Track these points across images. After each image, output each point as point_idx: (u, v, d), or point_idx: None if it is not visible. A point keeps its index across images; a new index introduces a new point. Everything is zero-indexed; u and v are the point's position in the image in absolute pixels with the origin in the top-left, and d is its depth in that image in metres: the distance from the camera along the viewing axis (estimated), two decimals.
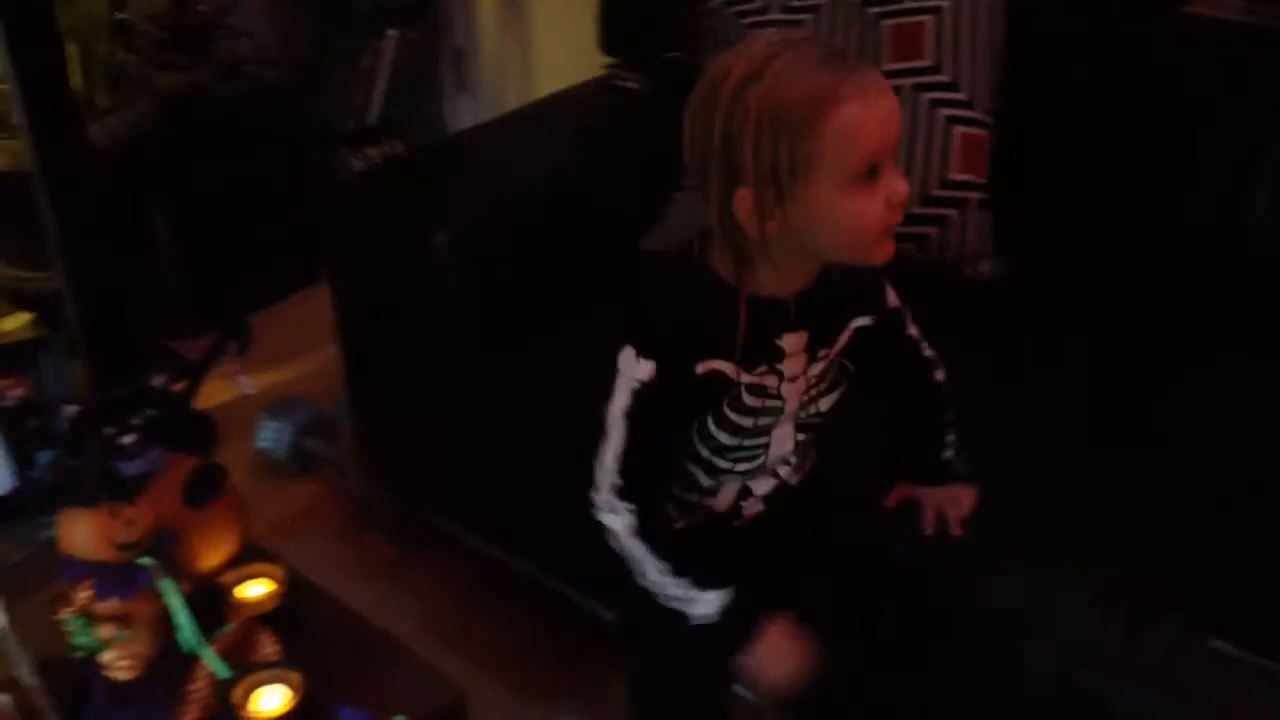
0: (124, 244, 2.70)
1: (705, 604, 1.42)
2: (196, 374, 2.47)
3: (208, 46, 2.99)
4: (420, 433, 2.20)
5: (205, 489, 1.83)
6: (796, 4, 2.16)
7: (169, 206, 2.84)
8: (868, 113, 1.22)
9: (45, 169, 2.25)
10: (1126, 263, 1.95)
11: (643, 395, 1.35)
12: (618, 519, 1.42)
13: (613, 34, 2.58)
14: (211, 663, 1.64)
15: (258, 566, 1.83)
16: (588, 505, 1.42)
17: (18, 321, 2.72)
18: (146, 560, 1.67)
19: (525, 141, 2.27)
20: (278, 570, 1.82)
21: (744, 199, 1.25)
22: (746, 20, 2.19)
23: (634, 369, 1.35)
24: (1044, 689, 1.43)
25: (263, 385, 2.85)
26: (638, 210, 2.17)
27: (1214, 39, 1.94)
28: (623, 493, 1.41)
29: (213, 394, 2.81)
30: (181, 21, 2.94)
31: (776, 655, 1.42)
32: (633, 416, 1.37)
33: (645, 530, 1.42)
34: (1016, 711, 1.49)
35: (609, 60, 2.50)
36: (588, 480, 1.41)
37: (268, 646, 1.74)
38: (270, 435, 2.56)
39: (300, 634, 1.77)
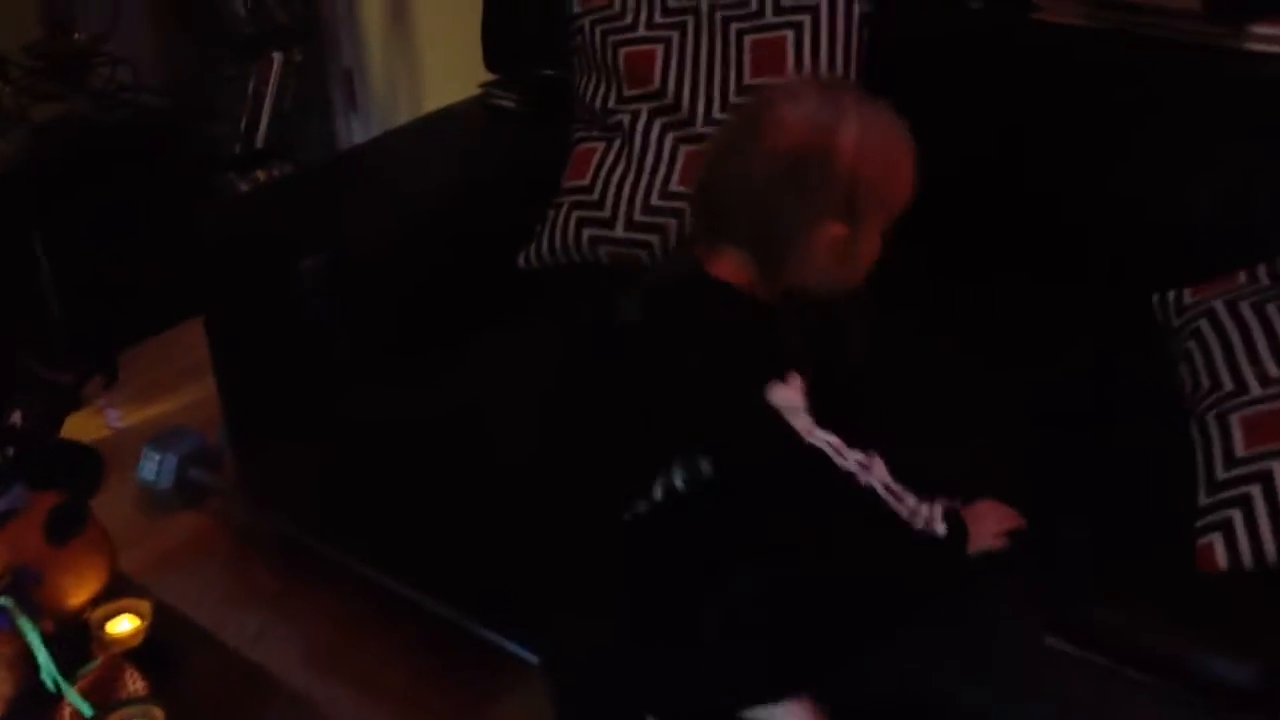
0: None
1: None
2: (61, 408, 2.46)
3: (85, 75, 2.94)
4: (299, 460, 2.19)
5: (66, 526, 1.80)
6: (661, 20, 2.18)
7: (48, 237, 2.79)
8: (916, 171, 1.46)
9: None
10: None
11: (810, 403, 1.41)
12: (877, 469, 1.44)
13: (496, 52, 2.58)
14: (74, 701, 1.62)
15: (125, 602, 1.80)
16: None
17: None
18: (4, 600, 1.64)
19: (399, 163, 2.27)
20: (145, 605, 1.80)
21: (832, 233, 1.43)
22: (614, 37, 2.20)
23: (789, 398, 1.40)
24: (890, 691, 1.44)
25: (149, 416, 2.84)
26: (512, 229, 2.16)
27: (1061, 43, 1.98)
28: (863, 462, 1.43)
29: (94, 428, 2.81)
30: (57, 51, 2.90)
31: None
32: (815, 434, 1.41)
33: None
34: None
35: (485, 79, 2.50)
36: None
37: (134, 683, 1.72)
38: (153, 467, 2.53)
39: (169, 669, 1.75)
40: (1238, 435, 1.52)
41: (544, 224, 2.18)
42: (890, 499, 1.45)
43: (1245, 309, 1.69)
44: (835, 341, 1.59)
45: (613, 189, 2.14)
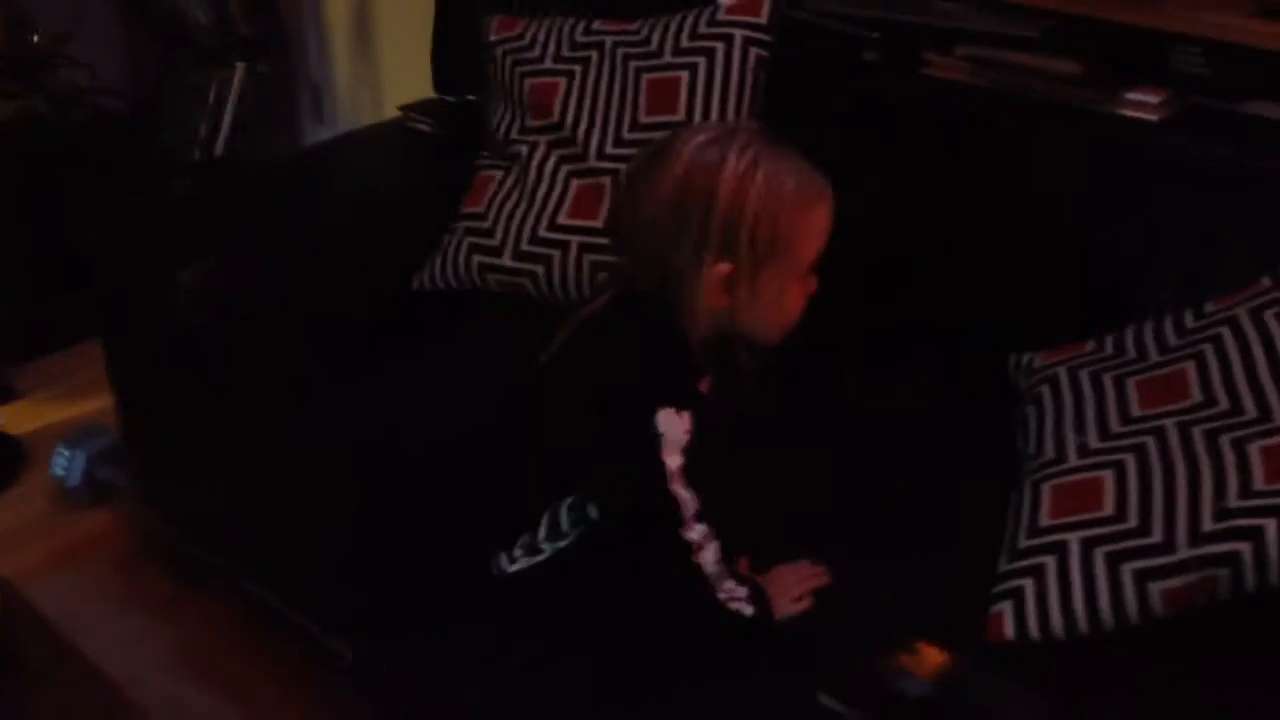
0: None
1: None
2: None
3: (43, 76, 3.00)
4: (183, 468, 2.21)
5: None
6: (567, 54, 2.20)
7: None
8: (828, 215, 1.48)
9: None
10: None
11: (690, 447, 1.42)
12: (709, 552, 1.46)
13: (440, 75, 2.62)
14: None
15: None
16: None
17: None
18: None
19: (303, 180, 2.30)
20: None
21: (722, 270, 1.44)
22: (521, 68, 2.22)
23: (677, 425, 1.42)
24: None
25: (74, 415, 2.88)
26: (412, 252, 2.19)
27: (948, 101, 1.98)
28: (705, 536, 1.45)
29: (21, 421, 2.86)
30: (14, 51, 2.95)
31: None
32: (690, 472, 1.42)
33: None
34: None
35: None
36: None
37: None
38: (63, 463, 2.57)
39: (9, 671, 1.78)
40: (1046, 504, 1.51)
41: (439, 249, 2.20)
42: (712, 577, 1.46)
43: (1084, 377, 1.68)
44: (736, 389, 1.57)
45: (504, 218, 2.15)
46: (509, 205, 2.16)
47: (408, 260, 2.23)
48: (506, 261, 2.13)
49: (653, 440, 1.42)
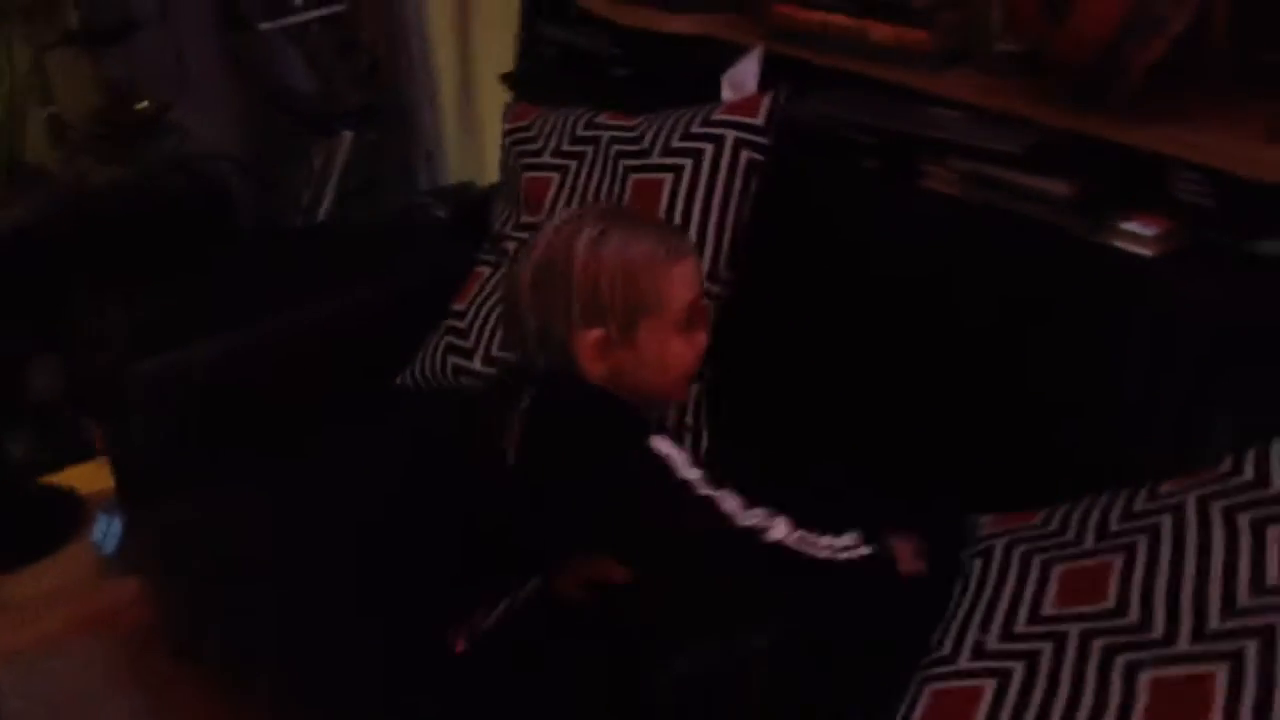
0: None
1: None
2: None
3: (148, 142, 3.09)
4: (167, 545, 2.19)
5: None
6: (566, 148, 2.09)
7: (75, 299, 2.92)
8: (691, 268, 1.57)
9: None
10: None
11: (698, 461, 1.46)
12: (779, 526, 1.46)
13: None
14: None
15: None
16: None
17: None
18: None
19: (294, 264, 2.27)
20: None
21: (590, 338, 1.50)
22: (523, 160, 2.13)
23: (671, 447, 1.45)
24: None
25: None
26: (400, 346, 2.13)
27: (939, 218, 1.78)
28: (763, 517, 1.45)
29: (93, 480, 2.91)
30: (118, 118, 3.05)
31: None
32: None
33: None
34: None
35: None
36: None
37: None
38: (102, 529, 2.61)
39: None
40: (921, 708, 1.31)
41: (424, 346, 2.12)
42: (803, 547, 1.45)
43: (1016, 557, 1.46)
44: None
45: (480, 318, 2.06)
46: (488, 306, 2.06)
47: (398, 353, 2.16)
48: (477, 365, 2.04)
49: (660, 471, 1.43)
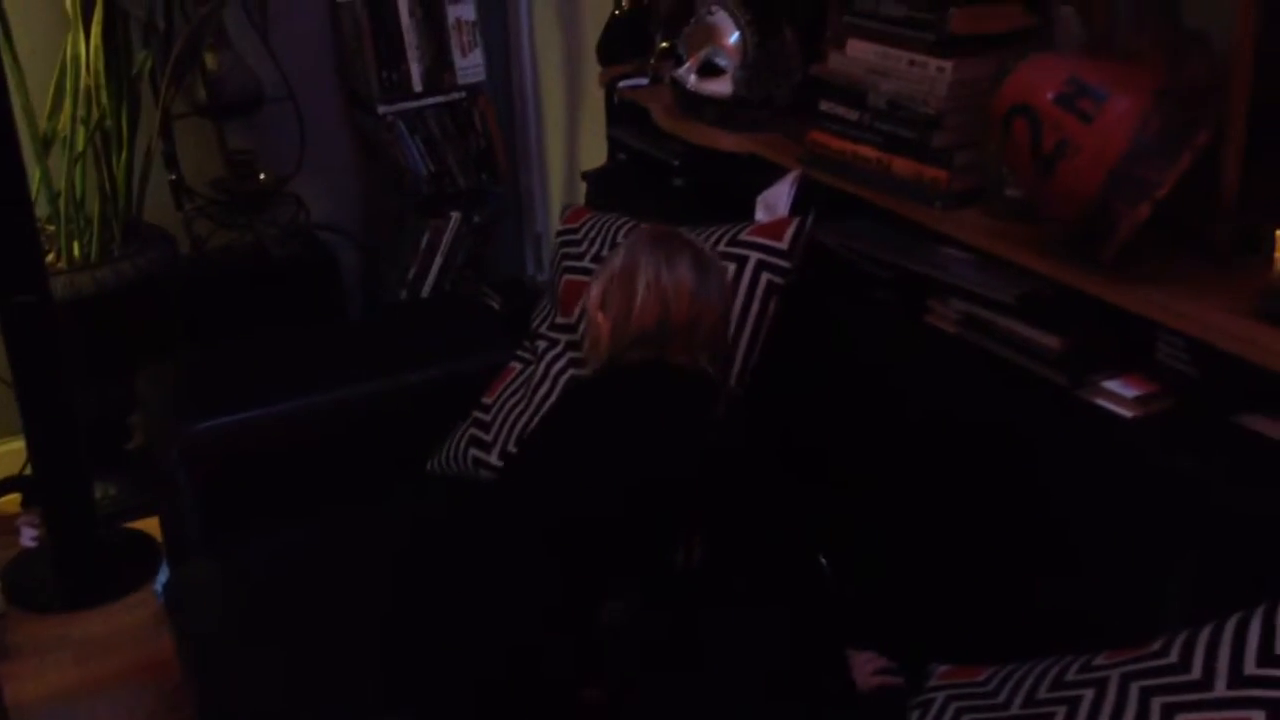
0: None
1: None
2: None
3: (264, 211, 3.25)
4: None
5: None
6: (605, 255, 2.14)
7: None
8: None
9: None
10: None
11: None
12: None
13: None
14: None
15: None
16: None
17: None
18: None
19: (352, 345, 2.37)
20: None
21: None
22: (566, 263, 2.20)
23: None
24: None
25: None
26: (428, 432, 2.20)
27: (942, 351, 1.78)
28: None
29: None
30: (240, 187, 3.22)
31: None
32: None
33: None
34: None
35: None
36: None
37: None
38: (164, 578, 2.71)
39: None
40: None
41: (451, 435, 2.19)
42: None
43: (949, 713, 1.44)
44: None
45: (503, 414, 2.12)
46: (511, 402, 2.12)
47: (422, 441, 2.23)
48: (493, 459, 2.09)
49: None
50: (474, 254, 3.50)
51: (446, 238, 3.45)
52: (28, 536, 2.66)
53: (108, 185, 2.94)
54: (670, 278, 1.79)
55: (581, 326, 2.00)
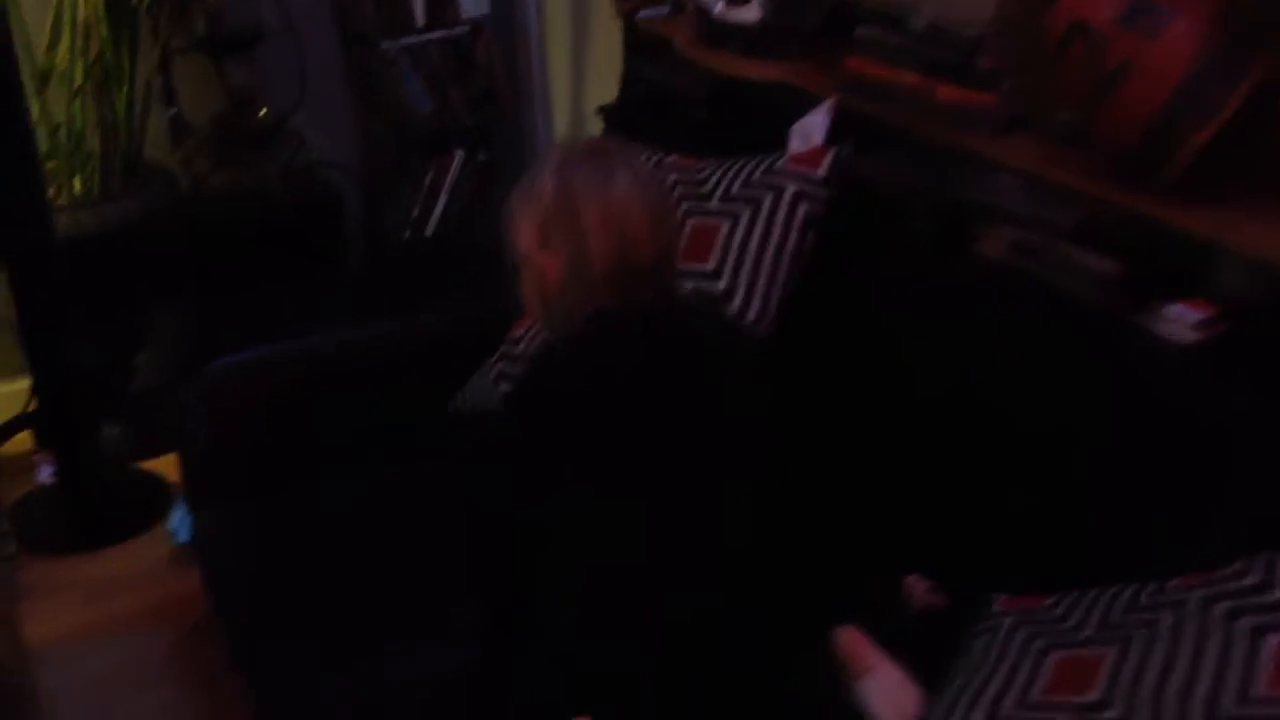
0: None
1: None
2: None
3: (264, 149, 3.19)
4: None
5: None
6: None
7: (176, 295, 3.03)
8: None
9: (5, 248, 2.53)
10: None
11: None
12: None
13: None
14: None
15: None
16: None
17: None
18: None
19: (386, 279, 2.33)
20: None
21: None
22: None
23: None
24: None
25: None
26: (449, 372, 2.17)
27: (987, 281, 1.75)
28: None
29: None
30: (240, 124, 3.16)
31: None
32: None
33: None
34: None
35: None
36: None
37: None
38: (177, 518, 2.69)
39: None
40: None
41: (478, 371, 2.15)
42: None
43: (1018, 639, 1.42)
44: None
45: (533, 347, 2.08)
46: (533, 332, 2.08)
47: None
48: None
49: None
50: (476, 193, 3.45)
51: (451, 177, 3.40)
52: (46, 474, 2.62)
53: (108, 121, 2.87)
54: (622, 200, 1.53)
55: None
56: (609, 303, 1.55)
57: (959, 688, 1.40)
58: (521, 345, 2.11)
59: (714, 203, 1.97)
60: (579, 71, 3.35)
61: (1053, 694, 1.31)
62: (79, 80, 2.81)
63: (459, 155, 3.39)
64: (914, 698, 1.42)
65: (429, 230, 3.42)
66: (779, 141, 2.08)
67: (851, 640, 1.48)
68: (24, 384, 2.82)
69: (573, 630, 1.54)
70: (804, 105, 2.09)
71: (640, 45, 2.58)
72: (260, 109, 3.21)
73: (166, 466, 2.99)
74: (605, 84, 2.94)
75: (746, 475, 1.56)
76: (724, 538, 1.54)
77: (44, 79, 2.82)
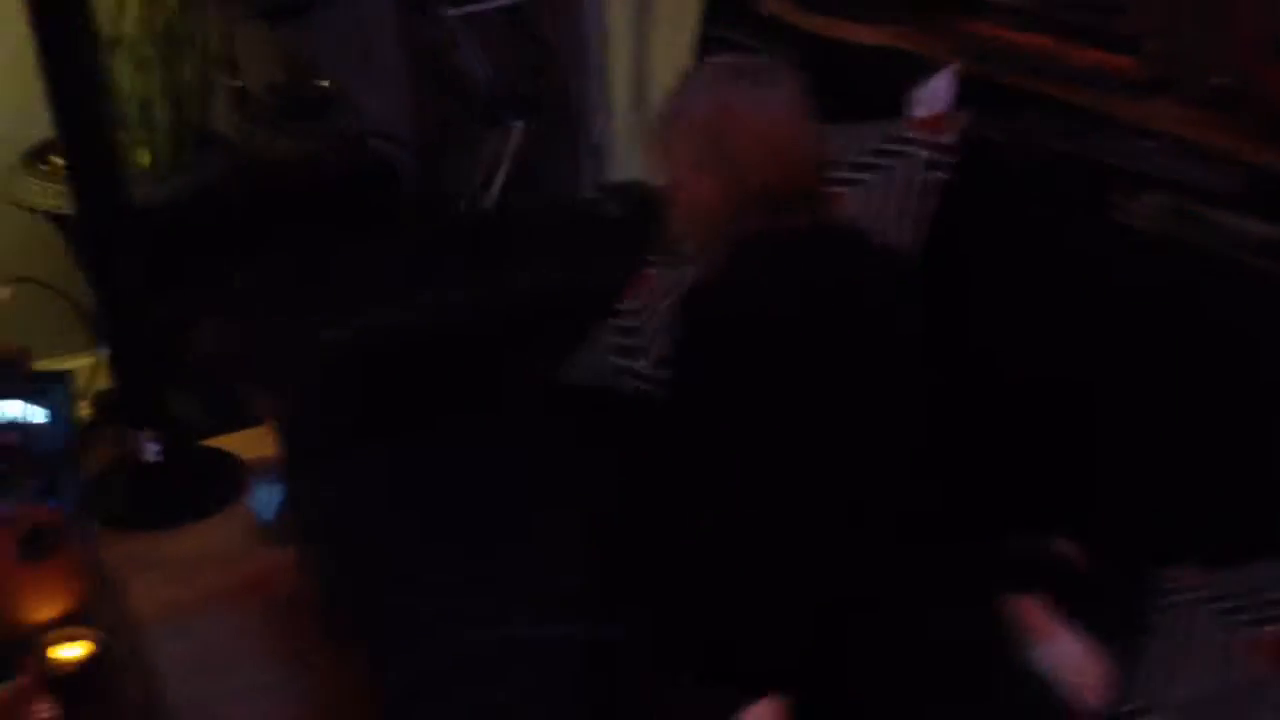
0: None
1: None
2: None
3: (323, 117, 3.15)
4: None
5: (40, 547, 1.92)
6: None
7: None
8: None
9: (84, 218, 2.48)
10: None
11: None
12: None
13: None
14: None
15: (81, 630, 1.89)
16: None
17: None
18: None
19: (466, 246, 2.30)
20: (95, 638, 1.88)
21: None
22: None
23: None
24: None
25: None
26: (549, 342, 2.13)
27: (1128, 249, 1.72)
28: None
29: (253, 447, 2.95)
30: (300, 93, 3.11)
31: None
32: None
33: None
34: None
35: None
36: None
37: (44, 711, 1.81)
38: (262, 496, 2.66)
39: (97, 706, 1.83)
40: None
41: (587, 342, 2.12)
42: None
43: (1205, 614, 1.40)
44: None
45: (651, 321, 2.05)
46: (659, 308, 2.05)
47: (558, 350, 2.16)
48: (642, 366, 2.03)
49: None
50: (533, 162, 3.41)
51: (510, 147, 3.36)
52: (151, 452, 2.58)
53: (174, 91, 2.82)
54: (780, 117, 1.53)
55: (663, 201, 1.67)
56: (764, 226, 1.51)
57: (1152, 665, 1.38)
58: (640, 318, 2.06)
59: (841, 172, 1.93)
60: (642, 39, 3.30)
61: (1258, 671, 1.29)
62: (146, 51, 2.76)
63: (519, 125, 3.34)
64: (1101, 668, 1.40)
65: (488, 201, 3.38)
66: (884, 108, 2.04)
67: (1029, 604, 1.45)
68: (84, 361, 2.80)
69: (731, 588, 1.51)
70: (915, 70, 2.05)
71: (722, 7, 2.53)
72: (317, 77, 3.16)
73: (236, 444, 2.97)
74: (671, 51, 2.89)
75: (918, 385, 1.52)
76: (909, 439, 1.53)
77: (110, 48, 2.77)
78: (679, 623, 1.54)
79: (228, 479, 2.88)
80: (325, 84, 3.16)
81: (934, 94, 1.97)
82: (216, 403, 3.05)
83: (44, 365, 2.80)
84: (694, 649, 1.51)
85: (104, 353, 2.79)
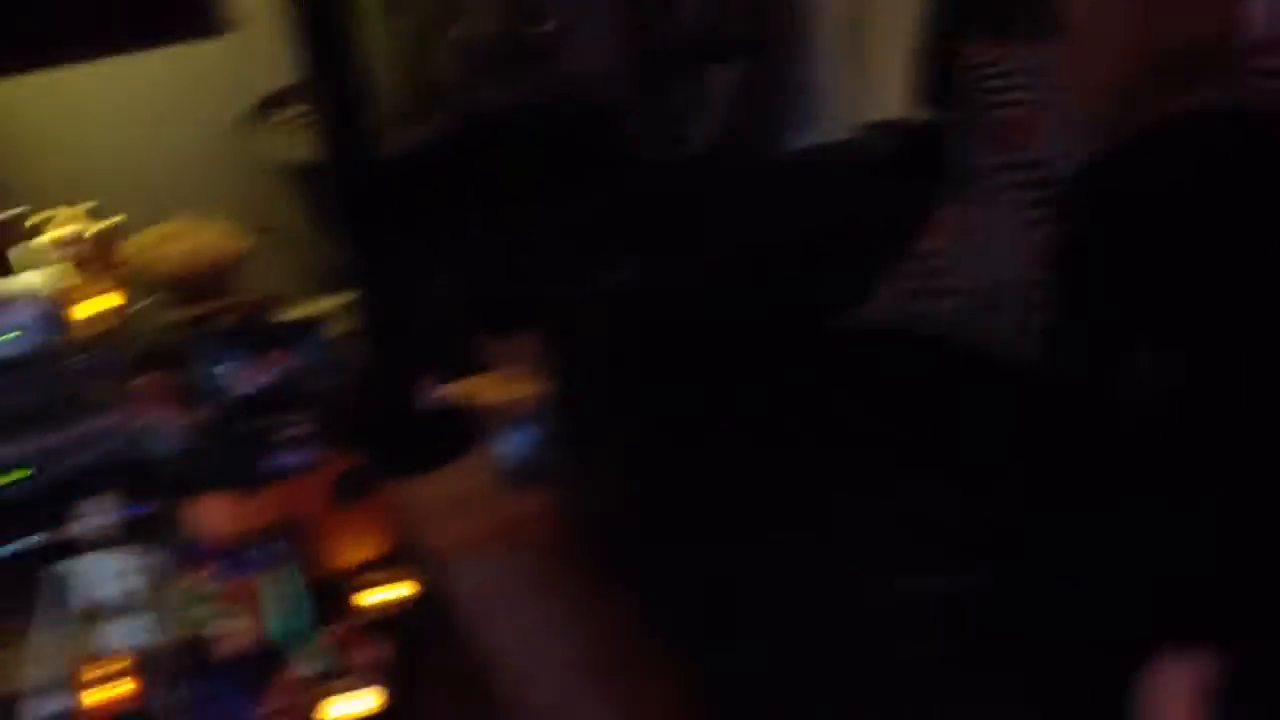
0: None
1: None
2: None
3: (543, 64, 3.12)
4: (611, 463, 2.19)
5: (353, 491, 1.93)
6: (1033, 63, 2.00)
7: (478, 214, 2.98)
8: None
9: (332, 166, 2.48)
10: None
11: None
12: None
13: (919, 93, 2.48)
14: (298, 658, 1.73)
15: (396, 574, 1.90)
16: None
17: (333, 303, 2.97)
18: (270, 549, 1.79)
19: (747, 195, 2.24)
20: (413, 581, 1.89)
21: None
22: (988, 83, 2.05)
23: None
24: None
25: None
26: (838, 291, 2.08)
27: None
28: None
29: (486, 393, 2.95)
30: (523, 39, 3.09)
31: None
32: None
33: None
34: None
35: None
36: None
37: (366, 654, 1.82)
38: (512, 442, 2.64)
39: (412, 648, 1.84)
40: None
41: (878, 286, 2.07)
42: None
43: None
44: None
45: (959, 259, 1.99)
46: (976, 241, 1.99)
47: (831, 293, 2.11)
48: (948, 307, 1.97)
49: None
50: (756, 106, 3.35)
51: (723, 92, 3.31)
52: (432, 399, 2.59)
53: (403, 41, 2.82)
54: None
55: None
56: (1179, 95, 1.36)
57: None
58: (945, 259, 2.01)
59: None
60: None
61: None
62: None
63: (740, 66, 3.29)
64: None
65: (700, 148, 3.34)
66: None
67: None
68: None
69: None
70: None
71: None
72: (544, 22, 3.13)
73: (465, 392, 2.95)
74: None
75: None
76: None
77: None
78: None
79: (461, 428, 2.88)
80: (547, 27, 3.12)
81: None
82: (444, 352, 3.05)
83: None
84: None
85: (341, 300, 2.79)
